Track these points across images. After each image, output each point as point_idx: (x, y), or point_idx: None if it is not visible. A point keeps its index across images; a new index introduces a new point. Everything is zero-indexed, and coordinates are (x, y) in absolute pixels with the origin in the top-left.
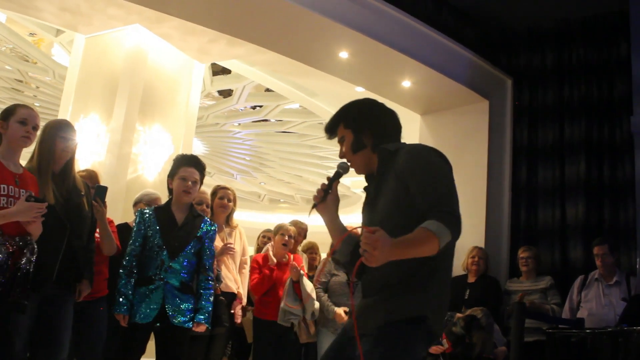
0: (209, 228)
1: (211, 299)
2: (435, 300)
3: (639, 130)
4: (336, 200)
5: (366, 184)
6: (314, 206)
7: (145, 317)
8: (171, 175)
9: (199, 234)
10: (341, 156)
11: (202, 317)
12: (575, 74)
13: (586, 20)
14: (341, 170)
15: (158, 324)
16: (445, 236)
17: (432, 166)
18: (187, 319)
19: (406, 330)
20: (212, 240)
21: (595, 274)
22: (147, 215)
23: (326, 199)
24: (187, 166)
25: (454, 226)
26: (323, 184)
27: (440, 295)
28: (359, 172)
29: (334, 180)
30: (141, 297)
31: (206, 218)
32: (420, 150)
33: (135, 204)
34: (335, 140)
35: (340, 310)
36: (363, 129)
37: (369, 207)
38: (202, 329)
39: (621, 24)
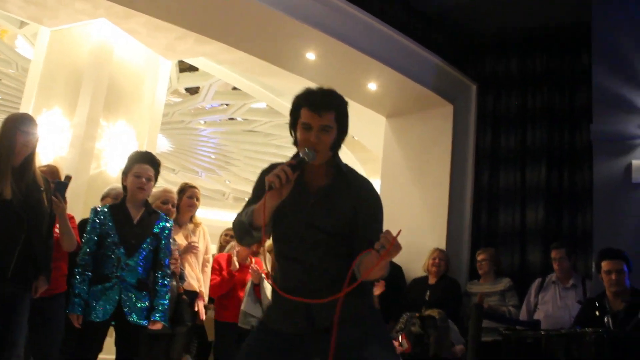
0: (165, 224)
1: (167, 296)
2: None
3: (598, 137)
4: (290, 188)
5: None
6: (270, 189)
7: (102, 315)
8: (125, 172)
9: (156, 231)
10: (312, 141)
11: (158, 315)
12: (539, 82)
13: (550, 30)
14: (307, 159)
15: (114, 323)
16: (386, 273)
17: (381, 214)
18: (143, 317)
19: (379, 317)
20: (169, 236)
21: (552, 277)
22: (102, 213)
23: (284, 186)
24: (142, 163)
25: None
26: (286, 169)
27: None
28: (318, 163)
29: (298, 168)
30: (97, 295)
31: (162, 214)
32: (378, 198)
33: (103, 198)
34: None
35: None
36: (344, 132)
37: (298, 201)
38: (158, 326)
39: (584, 35)
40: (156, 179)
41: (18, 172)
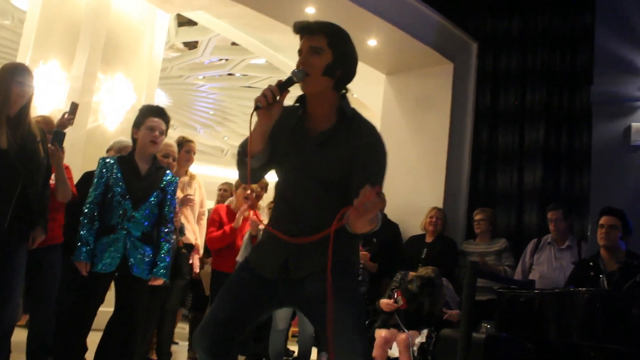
0: (171, 180)
1: (170, 251)
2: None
3: (598, 100)
4: (280, 108)
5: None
6: (257, 109)
7: (107, 266)
8: (137, 125)
9: (162, 185)
10: (302, 64)
11: (160, 271)
12: (540, 42)
13: None
14: (295, 78)
15: (117, 274)
16: (379, 224)
17: (384, 161)
18: (146, 270)
19: (353, 271)
20: (174, 192)
21: (548, 237)
22: (110, 163)
23: (272, 106)
24: (155, 116)
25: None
26: (272, 87)
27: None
28: (308, 90)
29: (286, 86)
30: (103, 247)
31: (169, 170)
32: (381, 138)
33: (107, 151)
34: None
35: None
36: (342, 62)
37: (298, 144)
38: (159, 282)
39: None
40: (166, 134)
41: (13, 122)
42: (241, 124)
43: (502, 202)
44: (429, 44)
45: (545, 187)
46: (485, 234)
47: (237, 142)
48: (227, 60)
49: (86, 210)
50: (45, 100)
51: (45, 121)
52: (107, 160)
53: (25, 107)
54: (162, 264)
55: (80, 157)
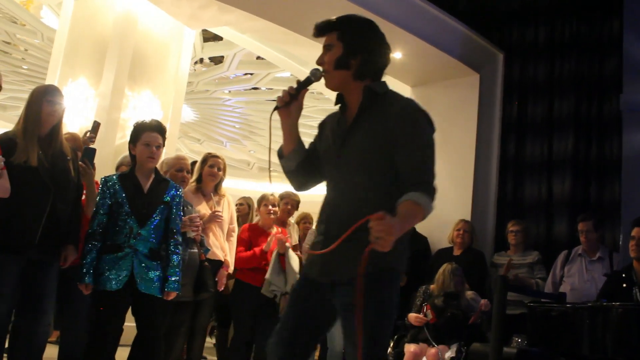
0: (175, 192)
1: (180, 264)
2: (405, 253)
3: (628, 108)
4: (300, 108)
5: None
6: (276, 108)
7: (115, 284)
8: (133, 141)
9: (166, 199)
10: (319, 63)
11: (171, 285)
12: (567, 50)
13: None
14: (312, 78)
15: (130, 292)
16: (429, 209)
17: (425, 136)
18: (155, 287)
19: (389, 279)
20: (180, 204)
21: (578, 249)
22: (111, 183)
23: (291, 104)
24: (150, 131)
25: (433, 199)
26: (291, 87)
27: (407, 248)
28: (329, 86)
29: (303, 86)
30: (110, 265)
31: (172, 182)
32: (416, 112)
33: (117, 167)
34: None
35: None
36: (356, 51)
37: (337, 139)
38: (172, 296)
39: (615, 1)
40: (163, 146)
41: (45, 141)
42: (268, 137)
43: (531, 213)
44: (455, 55)
45: (575, 197)
46: (520, 245)
47: (263, 155)
48: (252, 74)
49: (90, 231)
50: (74, 118)
51: (73, 138)
52: (109, 179)
53: (57, 126)
54: (173, 278)
55: (109, 173)
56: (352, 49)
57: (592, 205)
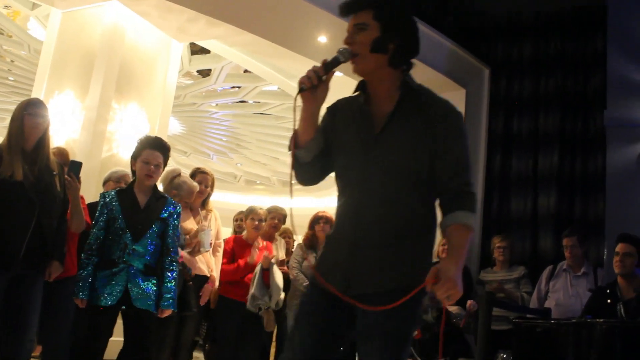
0: (172, 209)
1: (175, 281)
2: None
3: (612, 124)
4: (326, 91)
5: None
6: (302, 90)
7: (109, 300)
8: (134, 157)
9: (163, 216)
10: (348, 43)
11: (166, 303)
12: (552, 66)
13: (565, 12)
14: (341, 57)
15: (124, 307)
16: (474, 224)
17: (466, 140)
18: (151, 303)
19: (417, 299)
20: (177, 221)
21: (563, 264)
22: (109, 198)
23: (318, 87)
24: (151, 149)
25: (476, 210)
26: (316, 67)
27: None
28: (359, 71)
29: (331, 67)
30: (105, 281)
31: (170, 198)
32: (459, 117)
33: (105, 182)
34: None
35: None
36: (395, 33)
37: (360, 134)
38: (167, 313)
39: (599, 18)
40: (165, 164)
41: (31, 155)
42: (254, 150)
43: (516, 228)
44: (441, 71)
45: (560, 212)
46: (506, 261)
47: (250, 168)
48: (239, 87)
49: (87, 247)
50: (60, 131)
51: (60, 152)
52: (107, 195)
53: (42, 140)
54: (168, 295)
55: (94, 187)
56: (390, 31)
57: (577, 220)
